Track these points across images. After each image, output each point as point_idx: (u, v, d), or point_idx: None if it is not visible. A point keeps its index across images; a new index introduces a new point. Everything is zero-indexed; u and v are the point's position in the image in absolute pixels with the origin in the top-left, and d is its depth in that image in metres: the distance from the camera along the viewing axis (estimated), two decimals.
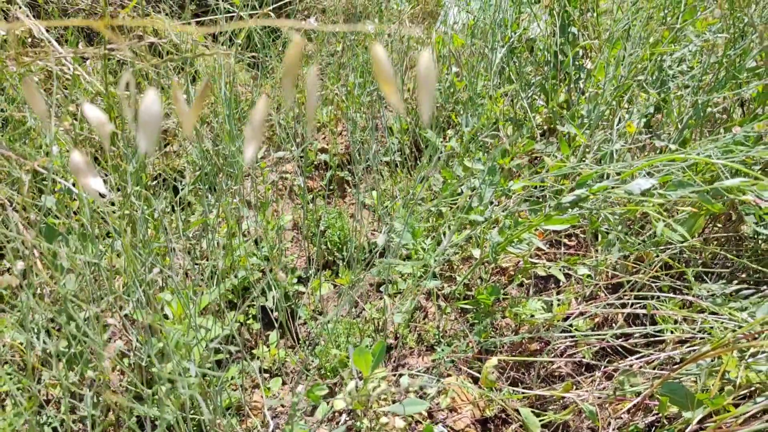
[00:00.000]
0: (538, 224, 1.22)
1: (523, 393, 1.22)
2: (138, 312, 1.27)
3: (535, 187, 1.46)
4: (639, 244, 1.30)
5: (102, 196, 0.74)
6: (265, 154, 2.13)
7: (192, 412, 1.25)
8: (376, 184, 2.01)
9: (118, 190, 1.23)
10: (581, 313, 1.30)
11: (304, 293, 1.82)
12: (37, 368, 1.19)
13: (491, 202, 1.25)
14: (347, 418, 1.34)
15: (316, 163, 2.26)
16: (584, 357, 1.27)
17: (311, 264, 1.94)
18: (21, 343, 1.18)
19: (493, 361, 1.20)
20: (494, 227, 1.36)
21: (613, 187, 1.08)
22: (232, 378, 1.50)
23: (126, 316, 1.31)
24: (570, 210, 1.18)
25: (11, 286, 1.07)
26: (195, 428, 1.29)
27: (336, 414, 1.38)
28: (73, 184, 1.18)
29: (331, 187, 2.21)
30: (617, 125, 1.50)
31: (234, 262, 1.65)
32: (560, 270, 1.35)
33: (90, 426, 1.05)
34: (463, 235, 1.44)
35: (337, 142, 2.30)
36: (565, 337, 1.30)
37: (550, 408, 1.23)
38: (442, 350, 1.32)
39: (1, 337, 1.18)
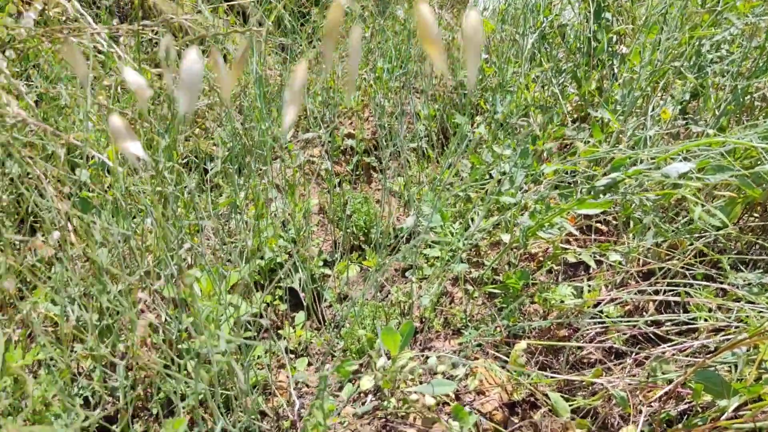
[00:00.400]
0: (570, 208, 1.21)
1: (552, 377, 1.20)
2: (168, 287, 1.28)
3: (567, 173, 1.44)
4: (673, 231, 1.28)
5: (139, 159, 0.74)
6: (293, 138, 2.13)
7: (221, 387, 1.26)
8: (403, 169, 2.00)
9: (153, 165, 1.24)
10: (612, 300, 1.28)
11: (329, 276, 1.83)
12: (71, 340, 1.21)
13: (522, 187, 1.23)
14: (373, 398, 1.34)
15: (342, 148, 2.25)
16: (614, 344, 1.25)
17: (337, 248, 1.94)
18: (55, 315, 1.20)
19: (522, 344, 1.19)
20: (524, 213, 1.34)
21: (649, 170, 1.06)
22: (258, 357, 1.51)
23: (156, 291, 1.32)
24: (603, 194, 1.16)
25: (45, 258, 1.08)
26: (222, 403, 1.30)
27: (362, 395, 1.38)
28: (108, 158, 1.19)
29: (358, 173, 2.21)
30: (652, 111, 1.47)
31: (261, 243, 1.66)
32: (591, 256, 1.33)
33: (122, 396, 1.07)
34: (492, 220, 1.43)
35: (364, 127, 2.29)
36: (595, 324, 1.29)
37: (579, 394, 1.21)
38: (469, 333, 1.31)
39: (35, 308, 1.20)
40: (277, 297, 1.71)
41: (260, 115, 1.36)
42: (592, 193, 1.11)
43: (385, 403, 1.24)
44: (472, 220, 1.47)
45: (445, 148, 2.20)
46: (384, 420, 1.27)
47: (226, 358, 0.75)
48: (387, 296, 1.69)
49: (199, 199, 1.64)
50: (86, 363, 1.37)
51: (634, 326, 1.22)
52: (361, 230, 1.96)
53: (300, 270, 1.59)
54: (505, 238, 1.39)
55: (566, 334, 1.36)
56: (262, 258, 1.66)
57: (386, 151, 1.95)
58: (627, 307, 1.33)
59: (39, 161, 1.19)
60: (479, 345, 1.32)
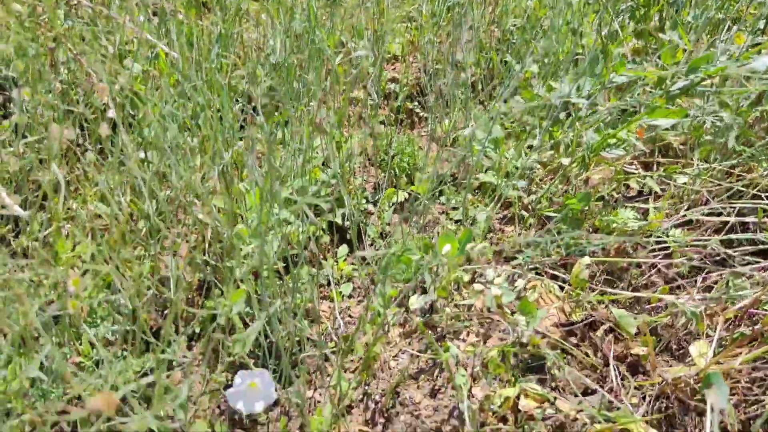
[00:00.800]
0: (639, 119, 1.14)
1: (616, 294, 1.14)
2: (221, 197, 1.25)
3: (632, 97, 1.37)
4: (749, 155, 1.20)
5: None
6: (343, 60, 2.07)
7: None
8: (449, 109, 1.95)
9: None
10: (680, 223, 1.22)
11: (372, 214, 1.79)
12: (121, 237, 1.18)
13: (589, 97, 1.17)
14: (422, 318, 1.29)
15: (386, 92, 2.21)
16: (680, 268, 1.19)
17: (379, 191, 1.89)
18: (105, 214, 1.17)
19: (586, 259, 1.13)
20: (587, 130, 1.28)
21: (733, 66, 0.99)
22: (302, 283, 1.47)
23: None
24: (679, 101, 1.09)
25: (103, 135, 1.05)
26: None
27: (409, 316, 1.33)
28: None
29: (401, 117, 2.16)
30: (723, 37, 1.39)
31: (305, 174, 1.62)
32: (656, 180, 1.27)
33: (173, 285, 1.04)
34: (550, 138, 1.37)
35: (408, 72, 2.24)
36: (660, 249, 1.22)
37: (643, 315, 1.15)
38: (525, 256, 1.26)
39: (84, 207, 1.18)
40: (319, 229, 1.68)
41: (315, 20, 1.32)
42: (667, 97, 1.05)
43: (436, 317, 1.19)
44: (530, 147, 1.41)
45: (492, 94, 2.14)
46: (437, 336, 1.21)
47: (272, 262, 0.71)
48: (435, 228, 1.65)
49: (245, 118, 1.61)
50: (131, 271, 1.35)
51: (704, 247, 1.15)
52: (404, 171, 1.91)
53: (345, 202, 1.55)
54: (565, 161, 1.33)
55: (625, 266, 1.29)
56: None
57: (431, 94, 1.90)
58: (696, 232, 1.26)
59: (90, 54, 1.16)
60: (536, 268, 1.27)
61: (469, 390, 1.01)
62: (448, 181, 1.77)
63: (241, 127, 1.73)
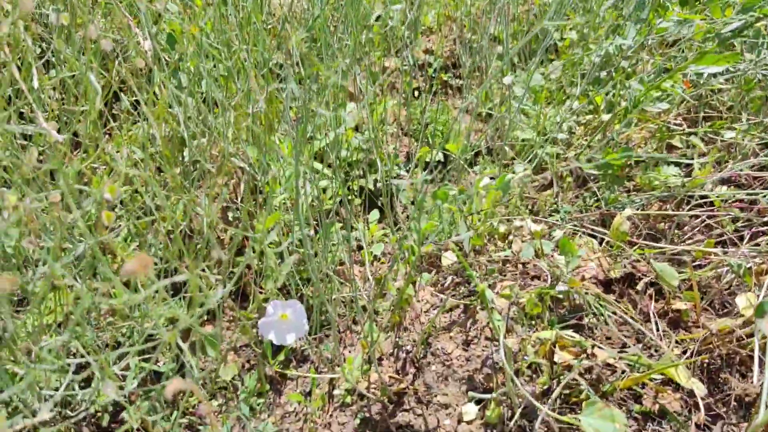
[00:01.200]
0: (686, 66, 1.10)
1: (658, 247, 1.10)
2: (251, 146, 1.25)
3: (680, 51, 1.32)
4: None
5: None
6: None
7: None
8: (484, 76, 1.91)
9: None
10: (726, 179, 1.17)
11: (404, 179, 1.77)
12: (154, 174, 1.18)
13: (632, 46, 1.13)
14: (454, 278, 1.27)
15: (420, 63, 2.18)
16: (728, 226, 1.14)
17: (411, 160, 1.87)
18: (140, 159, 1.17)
19: (627, 211, 1.09)
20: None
21: None
22: (333, 244, 1.46)
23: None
24: (730, 46, 1.05)
25: (139, 69, 1.06)
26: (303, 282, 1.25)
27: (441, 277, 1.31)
28: None
29: (434, 89, 2.13)
30: None
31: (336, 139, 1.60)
32: (702, 137, 1.22)
33: (205, 225, 1.04)
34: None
35: (443, 43, 2.22)
36: (706, 203, 1.18)
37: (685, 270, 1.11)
38: (563, 211, 1.22)
39: (120, 151, 1.18)
40: (351, 192, 1.67)
41: None
42: (718, 40, 1.00)
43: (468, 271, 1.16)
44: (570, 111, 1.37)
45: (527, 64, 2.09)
46: (469, 291, 1.19)
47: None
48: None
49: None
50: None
51: (752, 202, 1.10)
52: (438, 140, 1.89)
53: (378, 167, 1.53)
54: (605, 117, 1.29)
55: (669, 223, 1.25)
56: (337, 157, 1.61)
57: (467, 64, 1.87)
58: (742, 191, 1.20)
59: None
60: (574, 226, 1.23)
61: (504, 337, 0.98)
62: (483, 152, 1.74)
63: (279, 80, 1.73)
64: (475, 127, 1.94)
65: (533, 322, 1.02)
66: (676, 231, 1.20)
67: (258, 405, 1.18)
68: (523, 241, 1.04)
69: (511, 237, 1.11)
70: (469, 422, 0.94)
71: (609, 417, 0.72)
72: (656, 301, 1.10)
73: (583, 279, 1.05)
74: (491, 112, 1.82)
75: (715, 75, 1.16)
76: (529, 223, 1.07)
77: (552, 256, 1.04)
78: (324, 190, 1.52)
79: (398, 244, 0.98)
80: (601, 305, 1.04)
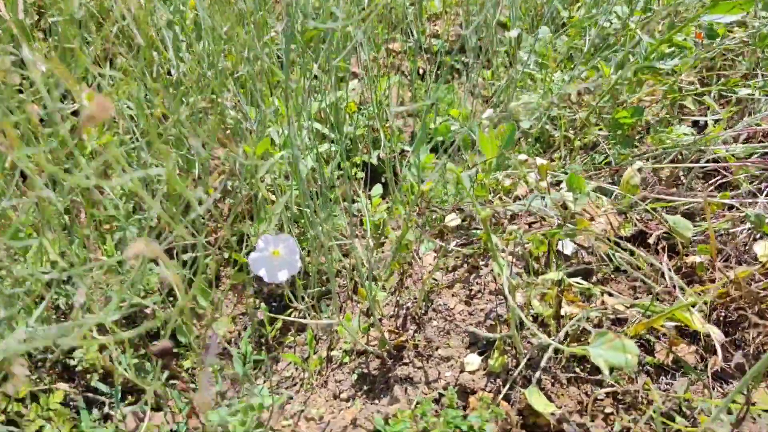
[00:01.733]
0: (698, 17, 1.06)
1: (671, 199, 1.05)
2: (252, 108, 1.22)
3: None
4: None
5: None
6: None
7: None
8: (491, 55, 1.88)
9: None
10: (741, 136, 1.12)
11: (407, 154, 1.73)
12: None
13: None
14: (459, 241, 1.22)
15: (425, 46, 2.16)
16: (744, 184, 1.09)
17: (415, 140, 1.84)
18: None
19: (638, 163, 1.05)
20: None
21: None
22: (335, 215, 1.42)
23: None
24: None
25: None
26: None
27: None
28: None
29: (439, 72, 2.10)
30: None
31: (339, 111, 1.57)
32: (715, 98, 1.18)
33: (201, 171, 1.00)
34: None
35: (449, 27, 2.19)
36: (718, 162, 1.13)
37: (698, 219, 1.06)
38: (570, 166, 1.18)
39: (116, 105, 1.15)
40: (354, 166, 1.63)
41: None
42: None
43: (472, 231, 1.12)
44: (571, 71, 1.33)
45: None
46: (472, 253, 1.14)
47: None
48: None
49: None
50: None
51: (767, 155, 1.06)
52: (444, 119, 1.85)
53: (380, 144, 1.50)
54: (614, 76, 1.25)
55: (681, 178, 1.20)
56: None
57: (472, 49, 1.84)
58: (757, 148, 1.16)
59: None
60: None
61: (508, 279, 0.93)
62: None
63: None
64: (480, 109, 1.90)
65: (540, 272, 0.98)
66: (688, 192, 1.16)
67: (255, 369, 1.14)
68: (528, 185, 0.99)
69: (515, 191, 1.07)
70: (471, 372, 0.89)
71: (620, 348, 0.67)
72: (669, 258, 1.05)
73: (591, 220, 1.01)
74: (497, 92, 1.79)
75: (730, 29, 1.12)
76: (533, 177, 1.02)
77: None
78: (326, 162, 1.49)
79: (397, 188, 0.94)
80: (610, 258, 0.99)
